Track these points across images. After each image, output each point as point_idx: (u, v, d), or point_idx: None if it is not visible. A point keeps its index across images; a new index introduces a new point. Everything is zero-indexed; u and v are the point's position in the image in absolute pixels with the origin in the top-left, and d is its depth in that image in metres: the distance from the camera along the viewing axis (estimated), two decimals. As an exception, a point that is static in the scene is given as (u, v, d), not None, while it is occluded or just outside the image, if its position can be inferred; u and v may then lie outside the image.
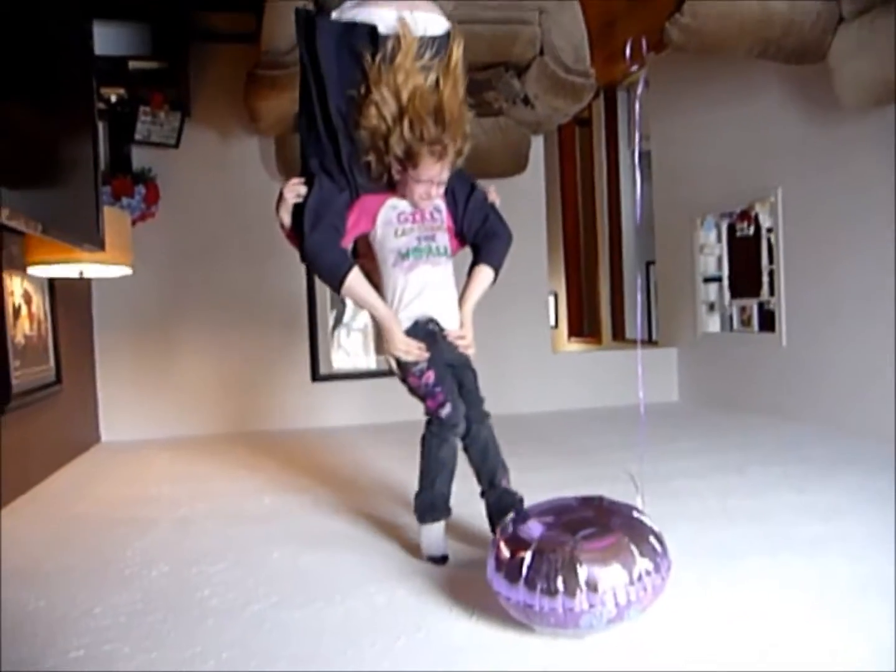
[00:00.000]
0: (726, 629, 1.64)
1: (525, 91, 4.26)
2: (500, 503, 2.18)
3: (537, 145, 5.11)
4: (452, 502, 2.22)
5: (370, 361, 4.93)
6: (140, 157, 4.47)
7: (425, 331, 2.14)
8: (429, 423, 2.17)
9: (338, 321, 4.97)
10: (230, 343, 4.70)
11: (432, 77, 2.07)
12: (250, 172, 4.71)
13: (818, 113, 4.01)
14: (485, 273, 2.24)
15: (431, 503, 2.18)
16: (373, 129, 2.04)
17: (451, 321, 2.20)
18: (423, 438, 2.18)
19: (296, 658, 1.58)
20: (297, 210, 2.10)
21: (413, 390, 2.18)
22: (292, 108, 4.01)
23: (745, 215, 4.70)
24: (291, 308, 4.80)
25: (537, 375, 5.19)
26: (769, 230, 4.51)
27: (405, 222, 2.15)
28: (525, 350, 5.16)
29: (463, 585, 1.93)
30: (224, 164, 4.70)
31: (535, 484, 2.96)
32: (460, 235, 2.28)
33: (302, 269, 4.75)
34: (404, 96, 2.00)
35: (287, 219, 2.13)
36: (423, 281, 2.14)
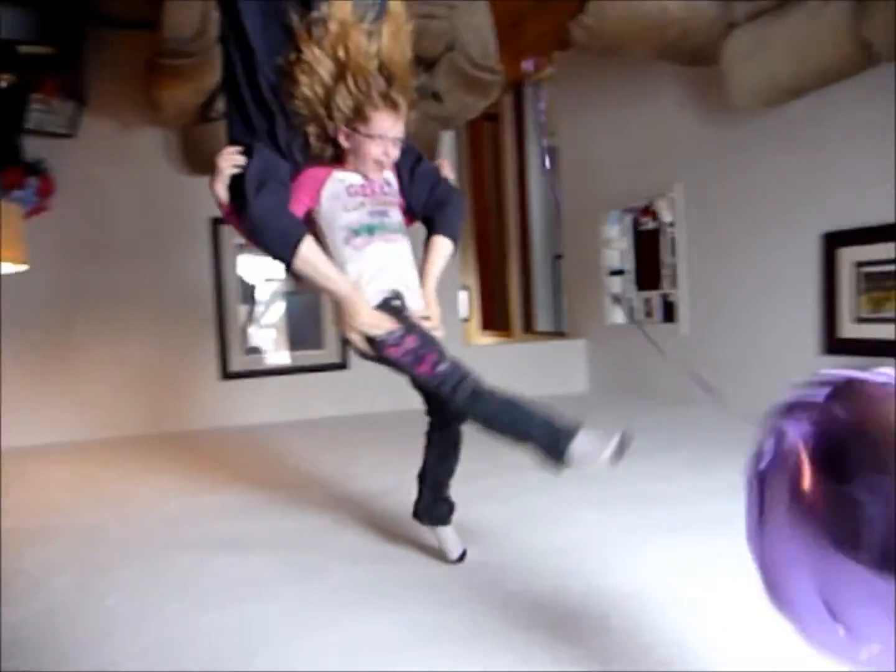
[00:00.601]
0: (631, 608, 1.71)
1: (434, 86, 4.28)
2: (437, 509, 2.13)
3: (447, 140, 5.14)
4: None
5: (283, 357, 4.85)
6: (33, 148, 4.23)
7: (390, 308, 1.90)
8: (452, 393, 1.85)
9: (249, 317, 4.87)
10: (134, 341, 4.53)
11: (376, 29, 1.91)
12: (152, 164, 4.55)
13: (715, 113, 4.20)
14: (442, 244, 2.04)
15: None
16: (309, 96, 1.87)
17: (415, 301, 1.97)
18: (447, 422, 2.08)
19: (209, 661, 1.55)
20: (236, 182, 1.85)
21: (397, 364, 1.88)
22: (196, 99, 3.93)
23: (647, 210, 4.88)
24: (198, 303, 4.66)
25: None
26: (670, 224, 4.69)
27: (355, 195, 1.95)
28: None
29: (383, 579, 1.94)
30: (125, 156, 4.51)
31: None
32: (409, 210, 2.10)
33: (209, 263, 4.70)
34: (341, 53, 1.85)
35: (224, 193, 1.88)
36: (379, 258, 1.92)
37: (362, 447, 3.75)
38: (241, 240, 2.09)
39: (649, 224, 4.88)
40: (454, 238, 2.07)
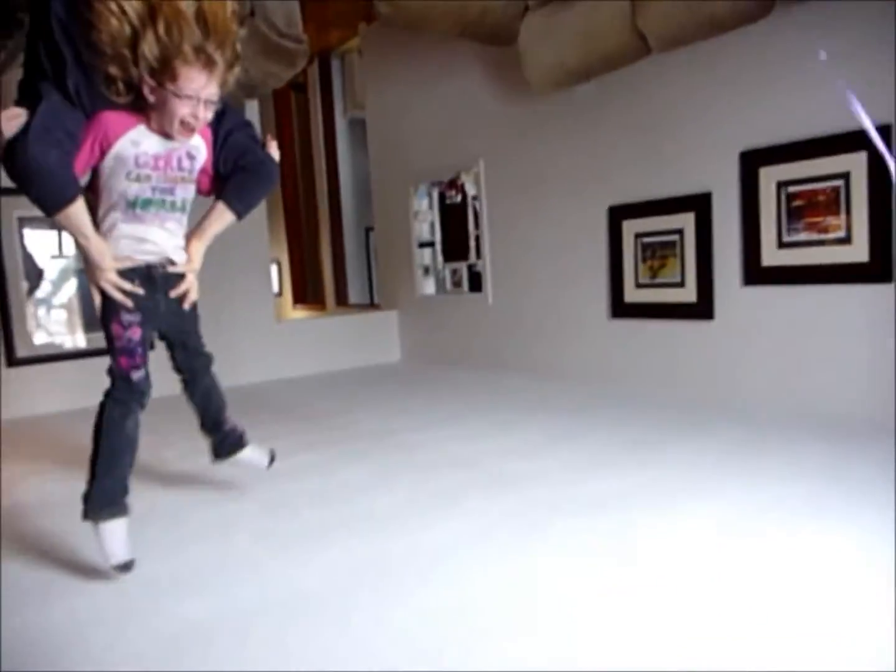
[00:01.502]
0: (450, 563, 1.82)
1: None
2: (227, 442, 2.29)
3: (252, 109, 4.98)
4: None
5: (78, 340, 4.51)
6: None
7: (144, 276, 1.89)
8: (111, 387, 1.88)
9: (31, 294, 4.42)
10: None
11: None
12: None
13: (515, 92, 4.41)
14: (221, 212, 1.99)
15: (112, 492, 1.84)
16: (113, 33, 1.65)
17: (176, 258, 1.96)
18: (102, 407, 1.87)
19: None
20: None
21: (111, 339, 1.88)
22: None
23: (453, 184, 5.04)
24: (-26, 284, 4.20)
25: (262, 344, 5.14)
26: (474, 198, 4.89)
27: (144, 167, 1.81)
28: (248, 319, 5.07)
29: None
30: None
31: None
32: (217, 176, 2.00)
33: (-15, 239, 4.23)
34: None
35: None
36: (147, 236, 1.87)
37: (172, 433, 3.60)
38: (26, 212, 1.90)
39: (456, 197, 5.05)
40: (237, 208, 2.00)
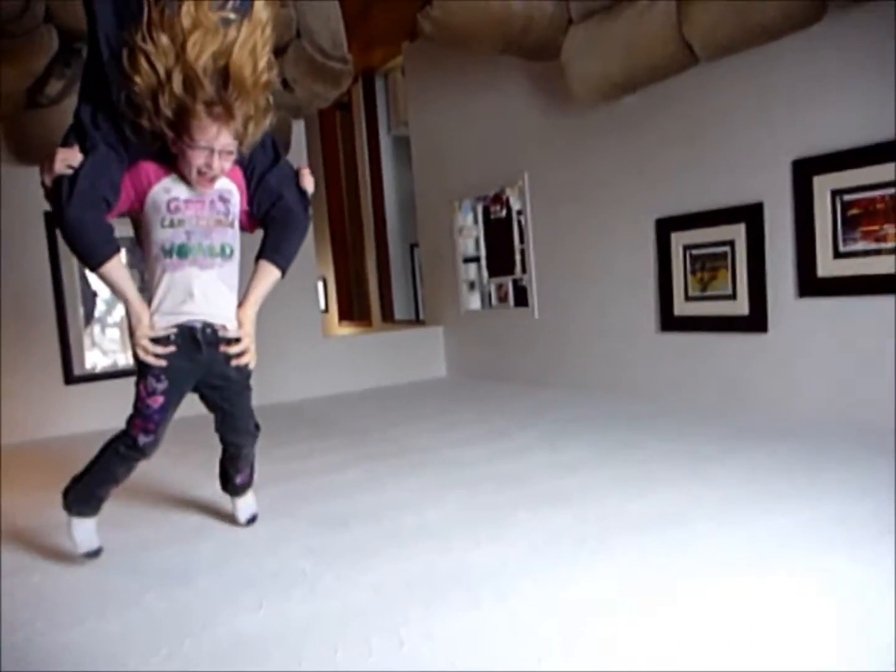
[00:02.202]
0: (498, 581, 1.79)
1: (283, 74, 4.20)
2: (229, 488, 2.32)
3: (299, 129, 5.06)
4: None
5: (131, 358, 4.60)
6: None
7: (187, 338, 1.91)
8: (122, 437, 1.97)
9: (89, 317, 4.57)
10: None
11: (232, 30, 1.78)
12: (-28, 154, 4.17)
13: (558, 105, 4.40)
14: (266, 271, 2.01)
15: (88, 500, 2.03)
16: (143, 86, 1.75)
17: (229, 325, 1.98)
18: (109, 444, 1.99)
19: None
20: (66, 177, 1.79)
21: (136, 396, 1.96)
22: (22, 82, 3.63)
23: (497, 199, 5.04)
24: (33, 302, 4.32)
25: (309, 361, 5.18)
26: (519, 212, 4.88)
27: (175, 212, 1.86)
28: (296, 335, 5.13)
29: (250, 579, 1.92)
30: (-62, 145, 4.11)
31: (312, 469, 3.02)
32: (251, 216, 2.04)
33: (44, 259, 4.36)
34: (178, 45, 1.71)
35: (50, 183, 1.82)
36: (188, 286, 1.89)
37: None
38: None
39: (500, 212, 5.05)
40: (280, 264, 2.03)
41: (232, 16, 1.80)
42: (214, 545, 2.21)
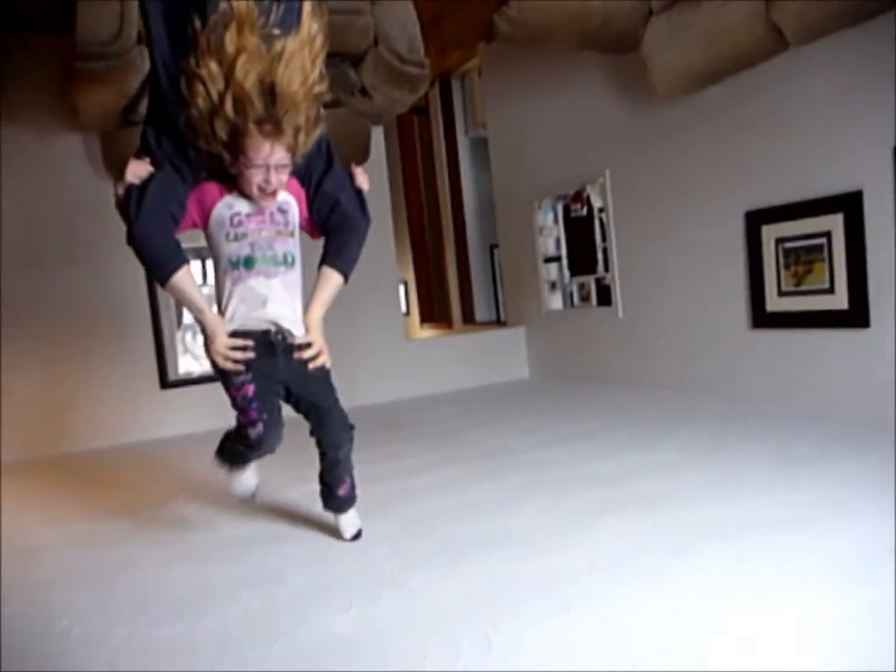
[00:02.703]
0: (587, 584, 1.76)
1: (362, 82, 4.27)
2: (331, 503, 2.26)
3: (377, 135, 5.12)
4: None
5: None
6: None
7: (263, 342, 1.97)
8: (237, 431, 2.06)
9: (180, 323, 4.75)
10: (67, 355, 4.38)
11: (278, 47, 1.83)
12: (74, 171, 4.40)
13: (639, 99, 4.30)
14: (328, 276, 2.05)
15: (229, 462, 2.21)
16: (200, 111, 1.83)
17: (297, 330, 2.04)
18: (227, 436, 2.16)
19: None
20: (134, 190, 1.88)
21: (232, 402, 2.03)
22: (118, 103, 3.82)
23: (578, 197, 4.97)
24: (131, 311, 4.54)
25: (391, 363, 5.24)
26: (600, 210, 4.79)
27: (238, 226, 1.94)
28: (378, 339, 5.19)
29: (345, 580, 1.95)
30: (43, 164, 4.35)
31: (397, 471, 3.04)
32: (313, 222, 2.09)
33: (139, 269, 4.55)
34: (226, 68, 1.77)
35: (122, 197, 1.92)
36: (256, 295, 1.95)
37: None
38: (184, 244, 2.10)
39: (581, 210, 4.97)
40: (342, 269, 2.06)
41: (276, 31, 1.84)
42: (304, 546, 2.26)
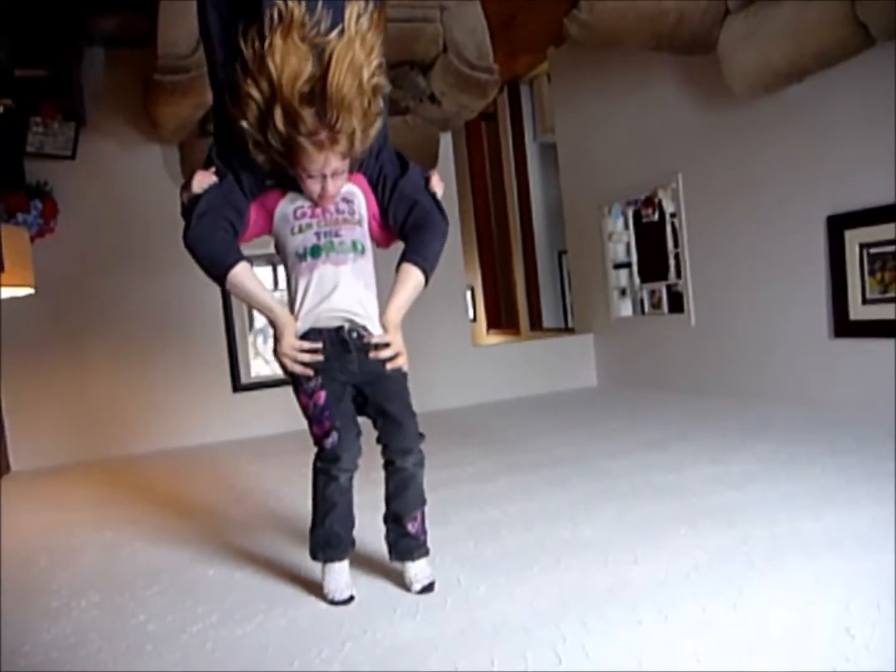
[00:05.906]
0: (657, 598, 1.71)
1: (431, 89, 4.29)
2: (400, 545, 1.98)
3: (446, 142, 5.14)
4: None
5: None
6: (34, 171, 4.25)
7: (336, 340, 1.86)
8: (316, 454, 1.91)
9: (251, 327, 4.87)
10: (142, 359, 4.55)
11: (325, 50, 1.74)
12: (154, 181, 4.56)
13: (711, 101, 4.20)
14: (409, 273, 1.91)
15: (326, 541, 1.92)
16: (252, 121, 1.77)
17: (372, 326, 1.90)
18: (314, 467, 1.92)
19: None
20: (195, 199, 1.88)
21: (302, 409, 1.91)
22: (196, 114, 3.95)
23: (649, 202, 4.87)
24: (205, 316, 4.68)
25: (459, 369, 5.24)
26: (672, 215, 4.68)
27: (302, 217, 1.89)
28: (445, 345, 5.20)
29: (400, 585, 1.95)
30: (125, 174, 4.53)
31: (464, 477, 3.04)
32: (388, 227, 2.01)
33: (215, 277, 4.70)
34: (274, 75, 1.69)
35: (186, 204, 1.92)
36: (325, 284, 1.86)
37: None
38: (250, 251, 2.08)
39: (652, 215, 4.87)
40: (424, 266, 1.93)
41: (323, 34, 1.75)
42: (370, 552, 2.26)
